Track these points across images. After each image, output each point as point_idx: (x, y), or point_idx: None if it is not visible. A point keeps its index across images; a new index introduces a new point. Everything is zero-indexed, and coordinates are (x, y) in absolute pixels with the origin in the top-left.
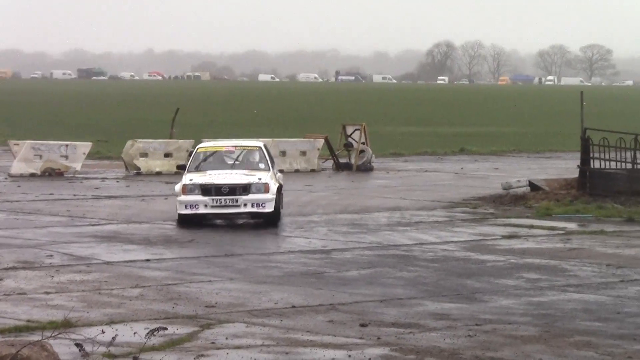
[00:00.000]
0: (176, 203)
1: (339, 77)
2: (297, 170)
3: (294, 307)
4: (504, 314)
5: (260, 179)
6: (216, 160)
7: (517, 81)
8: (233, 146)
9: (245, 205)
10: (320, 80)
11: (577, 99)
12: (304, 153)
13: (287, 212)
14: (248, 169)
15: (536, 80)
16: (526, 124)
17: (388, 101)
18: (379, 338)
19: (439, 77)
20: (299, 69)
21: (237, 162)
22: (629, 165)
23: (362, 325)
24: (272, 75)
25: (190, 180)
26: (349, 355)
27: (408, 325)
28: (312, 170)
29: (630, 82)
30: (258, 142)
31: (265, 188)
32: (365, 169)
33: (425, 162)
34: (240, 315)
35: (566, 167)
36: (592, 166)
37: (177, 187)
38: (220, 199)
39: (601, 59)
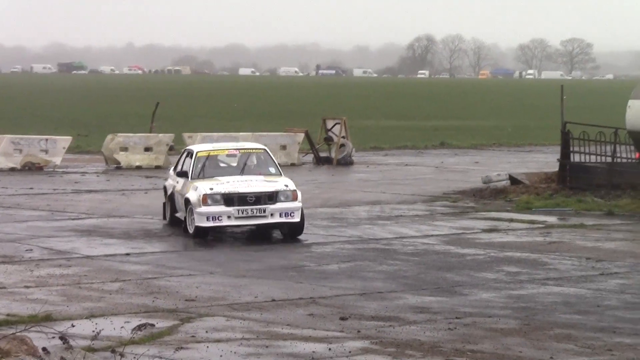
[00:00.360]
0: (193, 215)
1: (320, 71)
2: None
3: (274, 300)
4: (484, 307)
5: (287, 186)
6: (221, 165)
7: (497, 75)
8: (236, 149)
9: (272, 215)
10: (301, 74)
11: (558, 92)
12: (284, 147)
13: None
14: (260, 174)
15: (516, 74)
16: (506, 117)
17: (368, 95)
18: (359, 331)
19: (419, 71)
20: (279, 63)
21: (245, 167)
22: (609, 159)
23: (343, 318)
24: (253, 69)
25: (211, 189)
26: (329, 349)
27: (388, 319)
28: (293, 164)
29: (610, 76)
30: (260, 145)
31: (294, 196)
32: (346, 162)
33: (405, 156)
34: (220, 309)
35: (546, 160)
36: (572, 160)
37: (194, 197)
38: (246, 209)
39: (581, 53)
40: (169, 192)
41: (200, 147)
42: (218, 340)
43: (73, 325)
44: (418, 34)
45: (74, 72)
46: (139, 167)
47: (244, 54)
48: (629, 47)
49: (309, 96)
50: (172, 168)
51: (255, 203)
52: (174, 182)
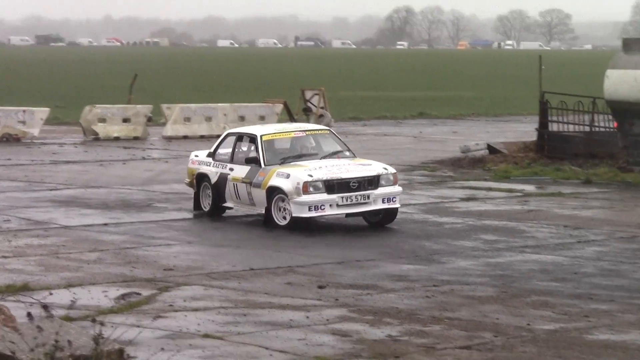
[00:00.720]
0: (285, 205)
1: (298, 43)
2: None
3: (252, 269)
4: (461, 275)
5: (386, 169)
6: (294, 149)
7: (476, 46)
8: (302, 131)
9: (374, 201)
10: (280, 45)
11: (536, 63)
12: (262, 118)
13: None
14: (339, 157)
15: (495, 44)
16: (485, 88)
17: (347, 66)
18: (337, 299)
19: (398, 43)
20: (258, 35)
21: (321, 150)
22: (587, 128)
23: (320, 287)
24: (231, 41)
25: (310, 176)
26: (307, 317)
27: (366, 287)
28: None
29: (589, 47)
30: (323, 126)
31: (395, 179)
32: None
33: (384, 126)
34: (198, 278)
35: (525, 130)
36: (550, 129)
37: (289, 185)
38: (350, 196)
39: (560, 24)
40: (213, 180)
41: (261, 130)
42: (196, 309)
43: (51, 294)
44: (397, 6)
45: (52, 44)
46: (117, 138)
47: (222, 26)
48: (608, 18)
49: (287, 67)
50: (206, 154)
51: (357, 189)
52: (220, 169)
